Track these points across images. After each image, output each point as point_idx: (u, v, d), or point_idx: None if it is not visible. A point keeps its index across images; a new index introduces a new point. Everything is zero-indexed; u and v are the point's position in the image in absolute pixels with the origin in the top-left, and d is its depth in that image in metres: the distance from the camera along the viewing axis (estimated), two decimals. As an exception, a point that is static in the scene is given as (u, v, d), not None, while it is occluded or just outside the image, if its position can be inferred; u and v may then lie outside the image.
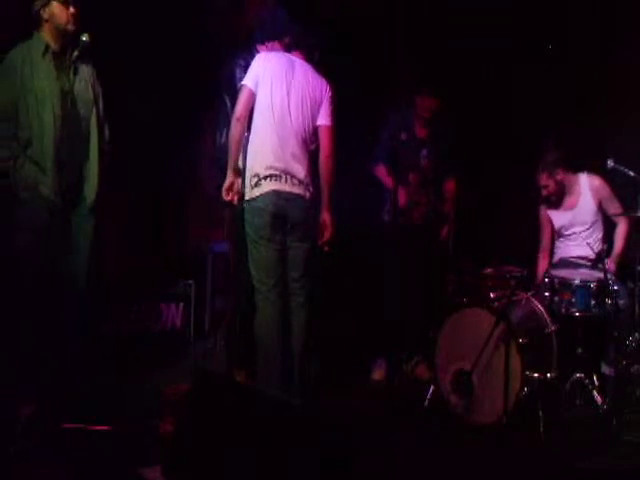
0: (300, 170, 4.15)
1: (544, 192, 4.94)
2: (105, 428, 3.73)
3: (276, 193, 4.09)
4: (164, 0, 5.53)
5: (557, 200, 4.99)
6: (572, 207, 4.97)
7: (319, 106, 4.25)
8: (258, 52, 4.58)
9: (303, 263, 4.25)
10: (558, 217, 5.02)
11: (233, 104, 4.23)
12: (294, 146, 4.14)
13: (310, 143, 4.23)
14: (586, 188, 4.94)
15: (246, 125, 4.15)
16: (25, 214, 3.91)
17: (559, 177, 4.91)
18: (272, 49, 4.50)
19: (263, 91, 4.14)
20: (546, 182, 4.92)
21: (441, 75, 5.41)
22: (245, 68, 4.45)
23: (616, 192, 4.92)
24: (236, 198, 4.19)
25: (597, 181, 4.93)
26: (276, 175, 4.09)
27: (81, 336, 4.09)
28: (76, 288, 4.05)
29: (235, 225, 4.70)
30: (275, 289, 4.17)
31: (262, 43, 4.64)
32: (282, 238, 4.16)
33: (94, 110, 4.05)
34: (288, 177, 4.11)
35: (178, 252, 6.07)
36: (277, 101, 4.14)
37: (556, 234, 5.06)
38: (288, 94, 4.16)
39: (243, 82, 4.16)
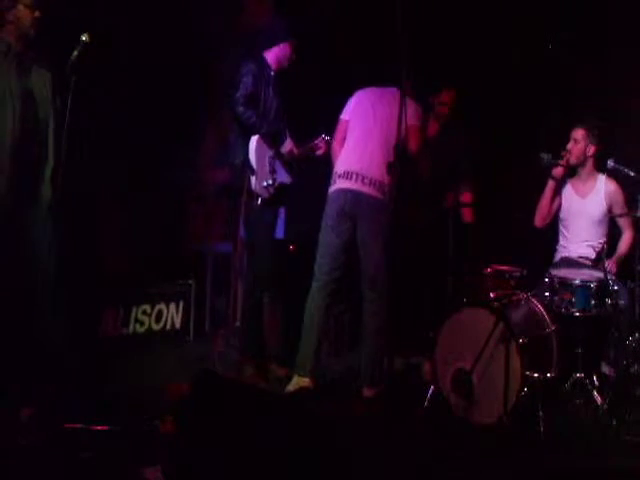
0: (376, 173, 4.58)
1: (570, 145, 4.89)
2: (105, 428, 3.73)
3: (345, 190, 4.63)
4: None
5: (571, 171, 4.95)
6: (582, 196, 4.98)
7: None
8: (264, 57, 4.91)
9: (372, 263, 4.58)
10: (567, 195, 5.01)
11: (244, 108, 4.67)
12: (376, 155, 4.58)
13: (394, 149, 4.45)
14: (601, 188, 4.94)
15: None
16: None
17: (591, 150, 4.89)
18: (280, 53, 4.90)
19: (353, 116, 4.78)
20: (579, 138, 4.88)
21: (443, 74, 5.43)
22: (255, 73, 4.74)
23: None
24: None
25: (613, 186, 4.92)
26: (349, 174, 4.63)
27: (53, 338, 4.01)
28: (41, 290, 3.96)
29: (252, 222, 4.79)
30: (327, 275, 4.64)
31: (266, 49, 4.83)
32: (350, 231, 4.62)
33: (52, 112, 4.00)
34: (359, 177, 4.61)
35: (178, 252, 6.08)
36: (362, 122, 4.71)
37: (560, 223, 5.05)
38: (374, 116, 4.67)
39: (341, 116, 4.82)
